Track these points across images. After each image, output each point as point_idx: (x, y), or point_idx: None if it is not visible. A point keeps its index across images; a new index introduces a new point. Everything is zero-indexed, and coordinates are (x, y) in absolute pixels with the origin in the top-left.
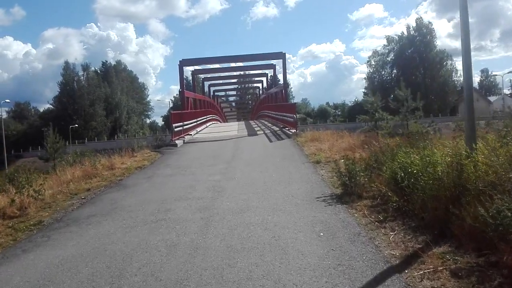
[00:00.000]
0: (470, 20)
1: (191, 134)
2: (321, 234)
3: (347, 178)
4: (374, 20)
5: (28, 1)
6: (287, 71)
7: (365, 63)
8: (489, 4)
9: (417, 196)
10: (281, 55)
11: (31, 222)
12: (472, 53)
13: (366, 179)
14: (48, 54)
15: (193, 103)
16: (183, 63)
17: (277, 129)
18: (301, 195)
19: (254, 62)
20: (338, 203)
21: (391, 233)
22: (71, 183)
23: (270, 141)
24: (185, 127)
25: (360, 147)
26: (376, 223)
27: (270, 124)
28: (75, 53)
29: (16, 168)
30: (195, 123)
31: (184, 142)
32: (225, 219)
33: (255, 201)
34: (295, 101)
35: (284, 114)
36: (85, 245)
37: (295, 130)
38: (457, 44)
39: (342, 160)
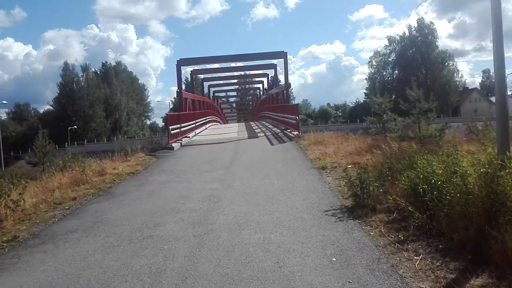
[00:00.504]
0: (470, 20)
1: (189, 137)
2: (334, 259)
3: (358, 189)
4: (374, 21)
5: (28, 2)
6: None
7: (366, 63)
8: (489, 5)
9: (443, 212)
10: (282, 54)
11: (5, 238)
12: (473, 54)
13: (380, 190)
14: (48, 55)
15: (192, 104)
16: (181, 62)
17: (279, 131)
18: (307, 208)
19: (254, 62)
20: (350, 217)
21: (416, 257)
22: (57, 190)
23: (272, 144)
24: (182, 129)
25: (368, 151)
26: (396, 244)
27: (271, 126)
28: (76, 54)
29: (2, 174)
30: (194, 125)
31: (181, 145)
32: (221, 238)
33: (255, 215)
34: (295, 102)
35: (286, 115)
36: (58, 269)
37: (297, 133)
38: (457, 44)
39: (350, 166)
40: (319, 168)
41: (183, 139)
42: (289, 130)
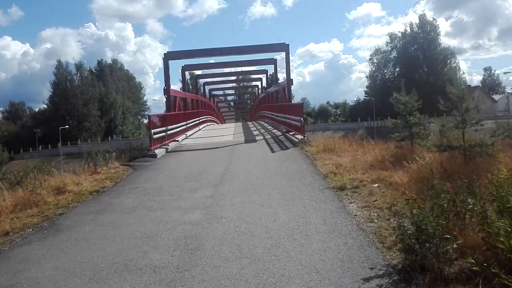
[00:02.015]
0: (467, 19)
1: (177, 140)
2: None
3: (414, 240)
4: (371, 19)
5: (25, 1)
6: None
7: (364, 62)
8: (486, 3)
9: None
10: (283, 47)
11: None
12: (470, 52)
13: (454, 245)
14: (46, 54)
15: (183, 103)
16: (169, 56)
17: (279, 133)
18: (333, 270)
19: (253, 56)
20: None
21: None
22: None
23: (272, 150)
24: (169, 132)
25: (396, 163)
26: None
27: (270, 127)
28: (73, 53)
29: None
30: (184, 126)
31: (166, 151)
32: None
33: (252, 285)
34: (294, 101)
35: (289, 116)
36: None
37: (302, 137)
38: (454, 42)
39: (376, 185)
40: (336, 189)
41: (170, 144)
42: (291, 133)
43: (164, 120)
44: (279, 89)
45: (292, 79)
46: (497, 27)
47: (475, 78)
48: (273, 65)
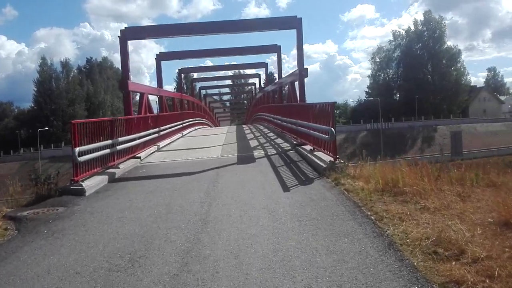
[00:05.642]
0: (461, 21)
1: (139, 157)
2: None
3: None
4: (365, 20)
5: (19, 1)
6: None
7: (359, 63)
8: (479, 5)
9: None
10: (294, 22)
11: None
12: (464, 54)
13: None
14: (40, 54)
15: (159, 102)
16: (127, 35)
17: (287, 146)
18: None
19: (250, 46)
20: None
21: None
22: None
23: (285, 187)
24: (121, 146)
25: None
26: None
27: (272, 134)
28: (68, 53)
29: None
30: (155, 135)
31: (110, 180)
32: None
33: None
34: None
35: (304, 123)
36: None
37: (332, 159)
38: (449, 44)
39: None
40: None
41: (123, 164)
42: (308, 148)
43: (112, 128)
44: (284, 84)
45: (306, 68)
46: (490, 29)
47: (474, 79)
48: (275, 54)
